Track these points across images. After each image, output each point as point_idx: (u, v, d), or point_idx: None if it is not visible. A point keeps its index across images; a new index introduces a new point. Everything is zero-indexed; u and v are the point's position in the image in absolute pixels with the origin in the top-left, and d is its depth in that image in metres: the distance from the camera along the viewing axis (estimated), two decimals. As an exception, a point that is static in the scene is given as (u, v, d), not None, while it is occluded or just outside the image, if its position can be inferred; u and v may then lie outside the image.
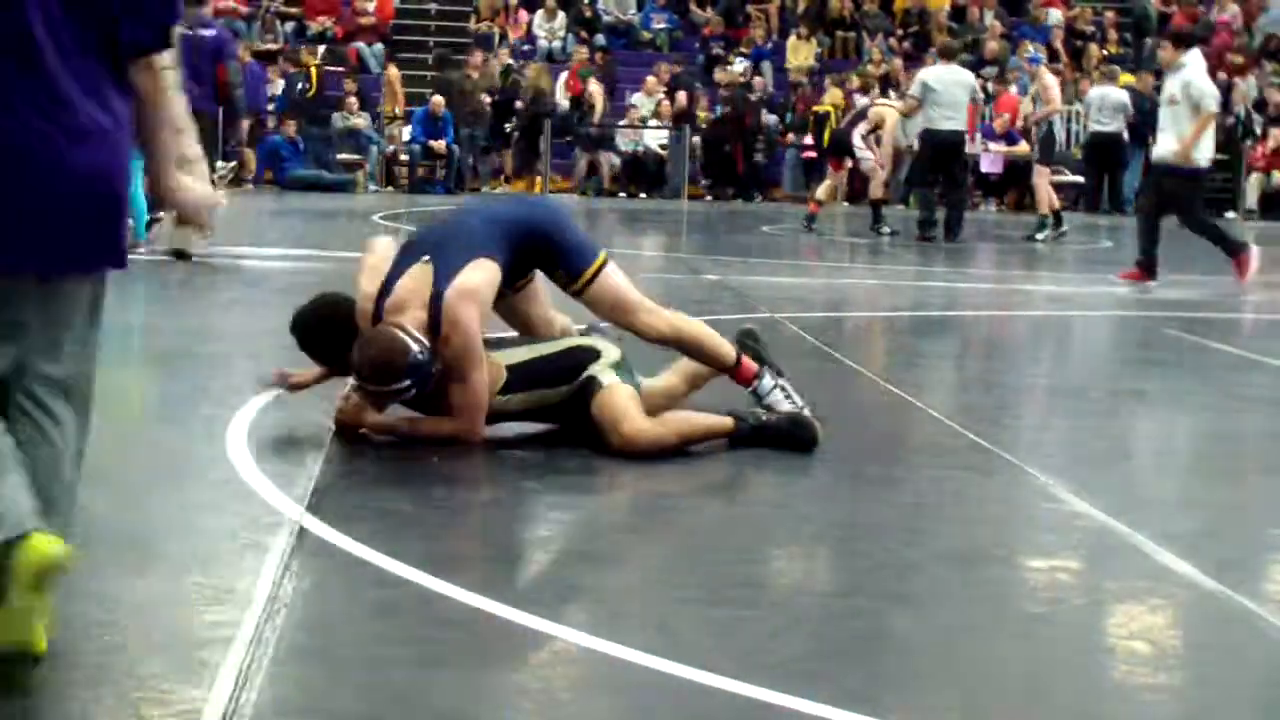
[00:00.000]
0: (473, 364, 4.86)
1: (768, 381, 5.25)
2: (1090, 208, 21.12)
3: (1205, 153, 11.31)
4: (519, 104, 21.48)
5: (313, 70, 21.20)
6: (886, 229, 15.82)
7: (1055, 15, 24.78)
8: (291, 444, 5.07)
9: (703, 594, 3.60)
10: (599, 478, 4.82)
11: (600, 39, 23.90)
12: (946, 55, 15.79)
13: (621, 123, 21.82)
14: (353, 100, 20.90)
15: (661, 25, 24.62)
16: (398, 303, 4.92)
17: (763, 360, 5.40)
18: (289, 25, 23.38)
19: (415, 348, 4.77)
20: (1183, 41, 11.51)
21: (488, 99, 21.36)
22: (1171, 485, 5.07)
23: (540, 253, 5.13)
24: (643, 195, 21.38)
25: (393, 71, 22.10)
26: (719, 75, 22.61)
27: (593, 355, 5.03)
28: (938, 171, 15.34)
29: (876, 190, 16.20)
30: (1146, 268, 11.56)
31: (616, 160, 21.70)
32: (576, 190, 21.46)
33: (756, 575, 3.92)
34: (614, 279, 5.15)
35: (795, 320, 8.63)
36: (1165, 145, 11.31)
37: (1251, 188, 21.53)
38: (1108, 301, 10.67)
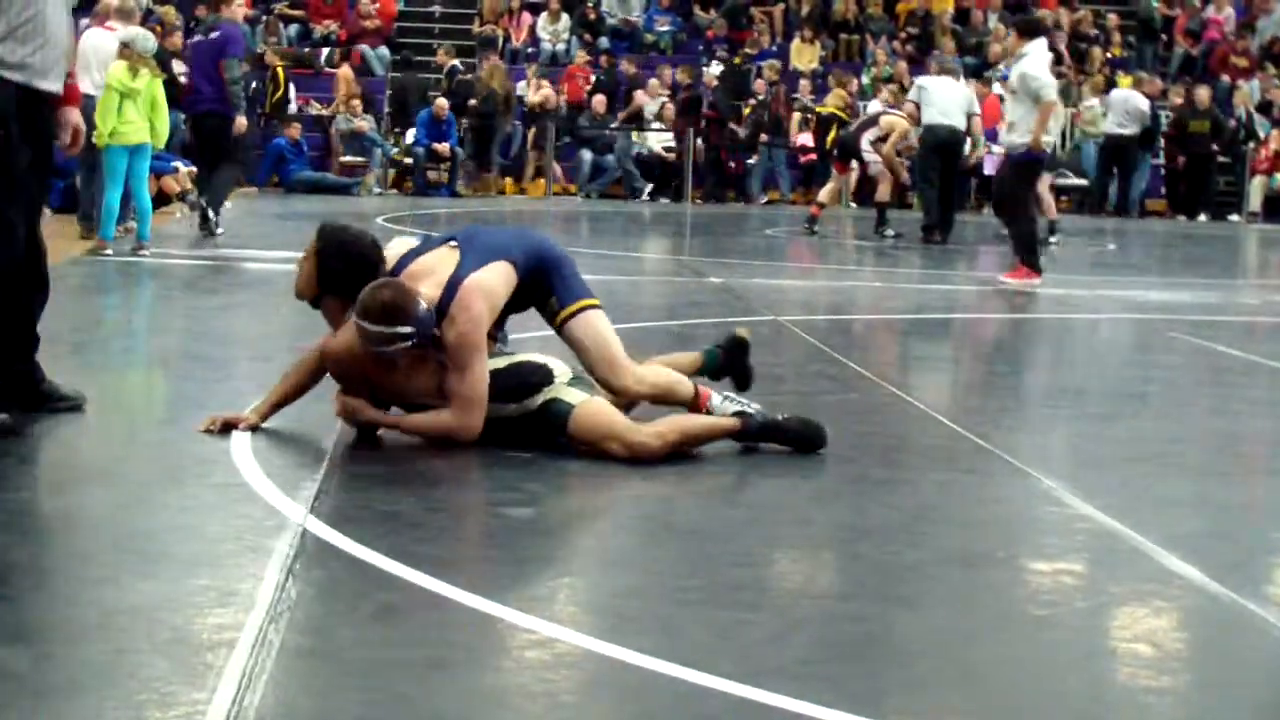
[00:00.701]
0: (475, 354, 4.90)
1: (716, 400, 5.26)
2: (1096, 210, 21.13)
3: (1050, 139, 11.92)
4: (472, 104, 21.17)
5: (279, 71, 21.08)
6: (890, 232, 15.84)
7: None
8: (295, 446, 5.08)
9: (705, 596, 3.60)
10: (601, 480, 4.82)
11: (604, 42, 23.90)
12: (947, 72, 15.90)
13: (612, 125, 21.79)
14: (356, 103, 20.90)
15: (665, 28, 24.61)
16: (416, 272, 5.03)
17: (743, 370, 5.59)
18: (293, 28, 23.38)
19: (424, 305, 4.86)
20: (1027, 32, 11.68)
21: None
22: (1175, 488, 5.06)
23: (543, 278, 5.23)
24: (646, 197, 21.37)
25: (345, 72, 21.96)
26: (705, 78, 22.53)
27: (546, 376, 5.04)
28: (937, 170, 15.34)
29: (884, 194, 16.21)
30: (1035, 264, 11.39)
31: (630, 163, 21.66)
32: (579, 193, 21.47)
33: (759, 578, 3.92)
34: (602, 322, 5.24)
35: (798, 323, 8.63)
36: (1008, 135, 11.43)
37: (1255, 190, 21.51)
38: (1111, 304, 10.66)
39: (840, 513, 4.55)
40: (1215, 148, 21.39)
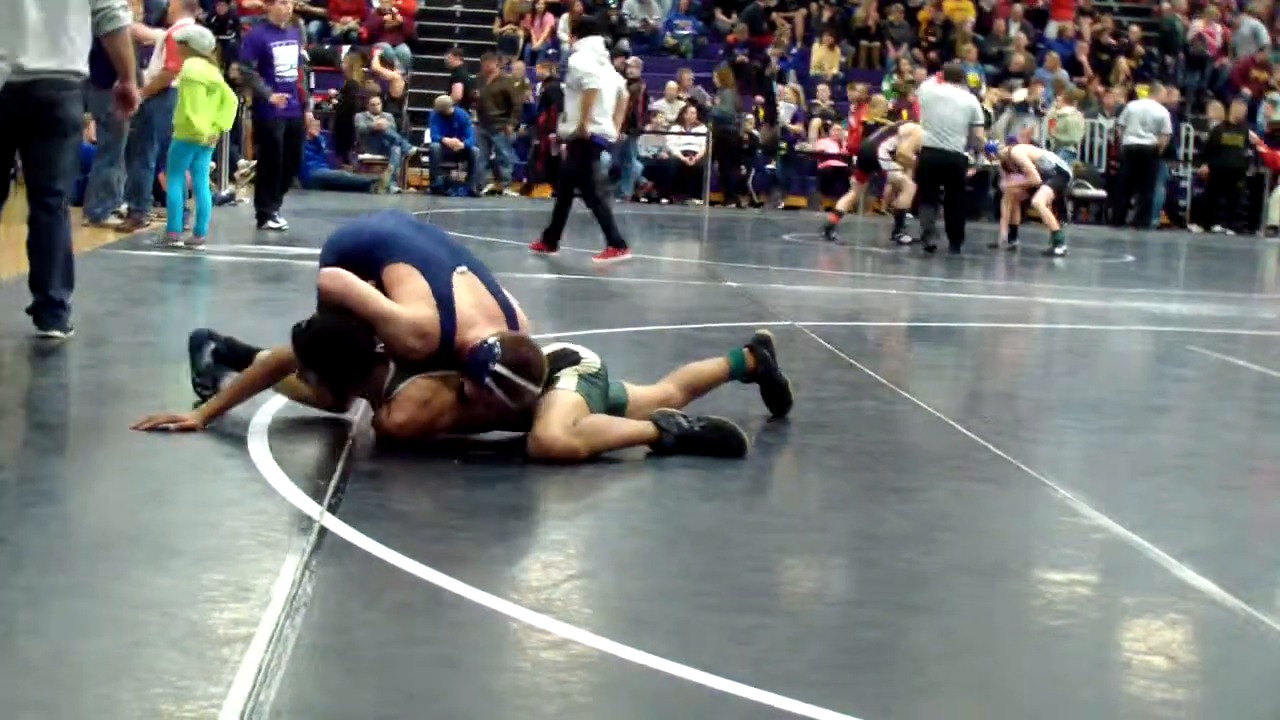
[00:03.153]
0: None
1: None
2: (1117, 221, 21.09)
3: (602, 129, 12.16)
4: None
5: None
6: (906, 238, 15.84)
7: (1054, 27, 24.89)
8: (312, 443, 5.09)
9: (721, 601, 3.61)
10: (617, 482, 4.83)
11: (624, 44, 23.90)
12: (951, 78, 15.79)
13: (646, 128, 21.82)
14: (376, 101, 20.92)
15: (686, 31, 24.62)
16: (469, 319, 5.00)
17: (770, 367, 5.76)
18: (313, 25, 23.42)
19: None
20: (579, 30, 13.16)
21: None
22: (1191, 500, 5.05)
23: None
24: (664, 201, 21.37)
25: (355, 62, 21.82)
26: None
27: (573, 359, 5.11)
28: (936, 187, 15.31)
29: (904, 201, 16.18)
30: (549, 239, 12.50)
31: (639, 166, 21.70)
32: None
33: (774, 583, 3.92)
34: None
35: (815, 329, 8.63)
36: (563, 125, 12.45)
37: (1275, 203, 21.45)
38: (1130, 316, 10.65)
39: (855, 520, 4.55)
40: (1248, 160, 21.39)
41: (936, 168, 15.09)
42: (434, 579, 3.60)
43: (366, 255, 5.12)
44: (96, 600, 3.36)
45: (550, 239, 12.50)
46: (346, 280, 4.98)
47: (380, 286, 5.04)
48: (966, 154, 15.43)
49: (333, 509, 4.16)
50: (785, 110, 22.38)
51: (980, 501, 4.85)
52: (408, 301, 4.98)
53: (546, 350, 5.10)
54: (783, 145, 21.97)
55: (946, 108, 14.97)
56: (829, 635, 3.46)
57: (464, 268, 5.13)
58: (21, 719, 2.69)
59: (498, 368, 4.82)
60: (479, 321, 4.99)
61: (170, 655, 3.03)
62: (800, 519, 4.60)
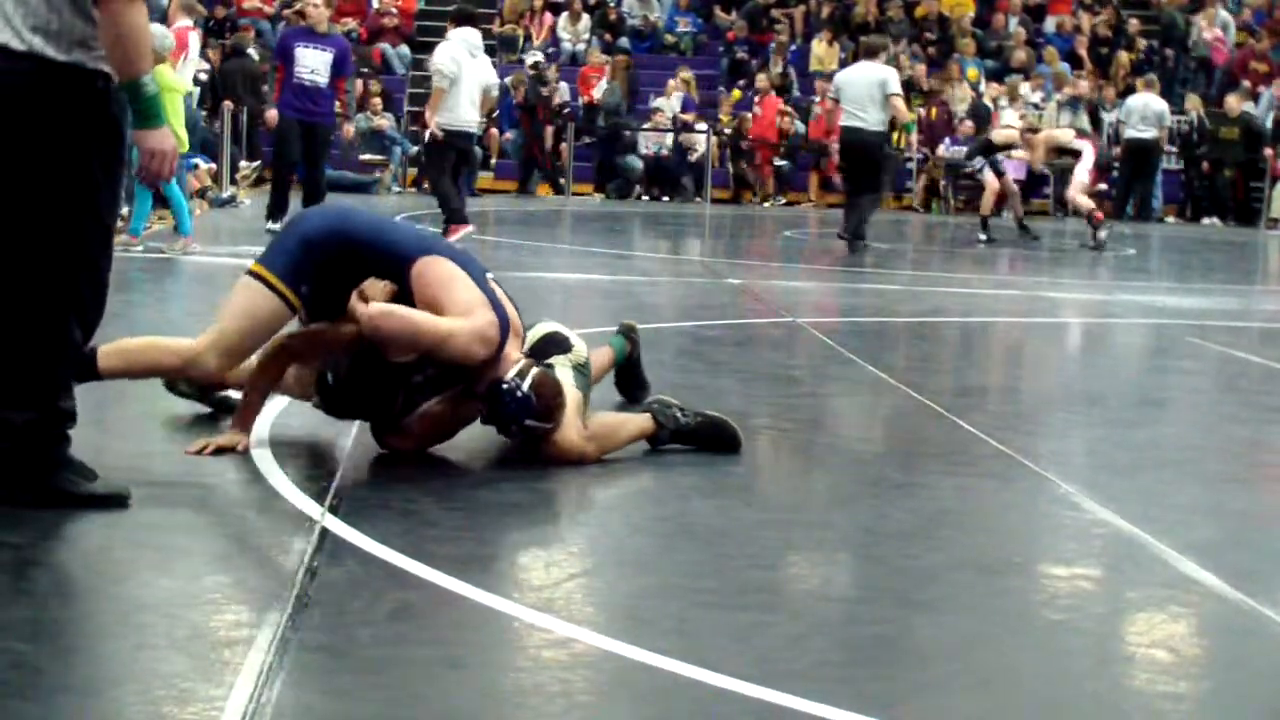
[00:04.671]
0: None
1: None
2: (1117, 214, 21.09)
3: (447, 120, 12.48)
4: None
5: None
6: (982, 237, 15.93)
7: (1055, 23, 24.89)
8: (314, 444, 5.09)
9: (723, 598, 3.61)
10: (619, 480, 4.83)
11: (624, 42, 23.89)
12: (867, 53, 14.83)
13: (645, 126, 21.81)
14: (377, 101, 20.92)
15: (686, 29, 24.61)
16: (515, 328, 4.85)
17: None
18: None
19: None
20: (455, 20, 13.20)
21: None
22: (1193, 494, 5.05)
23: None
24: (665, 198, 21.37)
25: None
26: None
27: (564, 346, 5.09)
28: (856, 171, 14.45)
29: (986, 206, 16.24)
30: (454, 219, 12.68)
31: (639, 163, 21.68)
32: (599, 193, 21.48)
33: (776, 580, 3.92)
34: None
35: (817, 325, 8.63)
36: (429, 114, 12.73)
37: (1277, 196, 21.44)
38: (1131, 310, 10.64)
39: (858, 516, 4.54)
40: (1248, 153, 21.41)
41: (850, 146, 14.28)
42: (435, 579, 3.60)
43: (377, 246, 4.73)
44: (99, 603, 3.36)
45: (456, 219, 12.73)
46: (402, 317, 4.56)
47: (404, 283, 4.68)
48: (883, 130, 14.32)
49: (334, 509, 4.16)
50: (676, 100, 22.22)
51: (983, 497, 4.84)
52: (461, 305, 4.62)
53: (534, 334, 5.08)
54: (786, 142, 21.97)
55: (858, 82, 14.14)
56: (831, 632, 3.46)
57: (490, 273, 4.88)
58: (23, 722, 2.69)
59: (530, 422, 4.73)
60: (517, 335, 4.85)
61: (173, 657, 3.02)
62: (802, 515, 4.60)
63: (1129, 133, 20.63)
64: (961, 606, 3.68)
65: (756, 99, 22.20)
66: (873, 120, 13.99)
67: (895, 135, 16.34)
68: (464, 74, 12.45)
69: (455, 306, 4.63)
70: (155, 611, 3.29)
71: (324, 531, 3.95)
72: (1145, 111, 20.42)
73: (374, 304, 4.58)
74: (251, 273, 4.77)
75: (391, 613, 3.39)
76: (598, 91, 21.79)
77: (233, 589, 3.48)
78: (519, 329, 4.92)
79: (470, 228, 12.72)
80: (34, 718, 2.71)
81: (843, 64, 23.67)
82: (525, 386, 4.67)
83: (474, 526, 4.27)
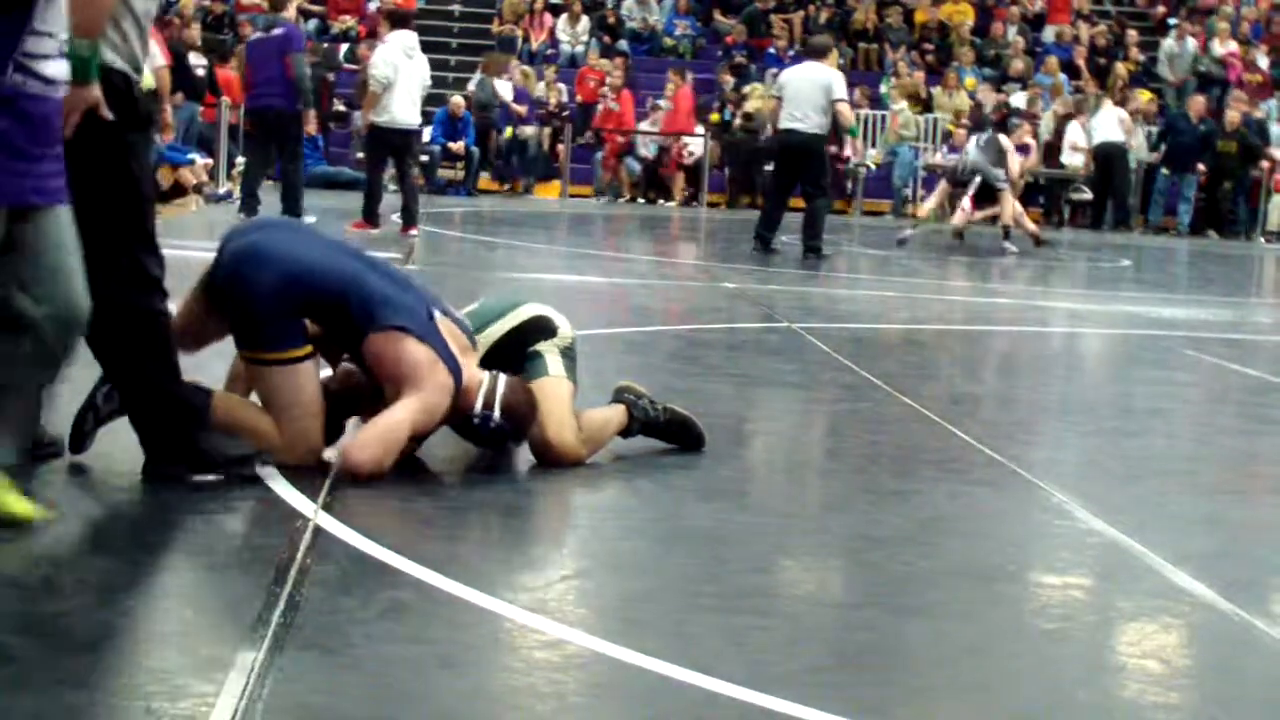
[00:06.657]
0: None
1: None
2: (1095, 224, 21.15)
3: (386, 119, 13.30)
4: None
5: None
6: (1011, 247, 15.83)
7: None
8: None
9: (717, 602, 3.60)
10: (613, 482, 4.82)
11: (623, 44, 23.91)
12: (812, 54, 14.41)
13: (643, 126, 21.82)
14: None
15: (685, 32, 24.63)
16: (464, 344, 4.75)
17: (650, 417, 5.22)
18: (311, 23, 23.41)
19: None
20: (390, 21, 14.01)
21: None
22: (1186, 505, 5.05)
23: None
24: (662, 201, 21.37)
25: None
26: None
27: (549, 330, 5.01)
28: (790, 175, 14.08)
29: (1006, 216, 16.18)
30: (367, 216, 13.69)
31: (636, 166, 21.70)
32: (595, 195, 21.49)
33: (770, 584, 3.92)
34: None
35: (813, 331, 8.63)
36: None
37: (1274, 209, 21.48)
38: (1125, 320, 10.65)
39: (852, 522, 4.54)
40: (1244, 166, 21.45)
41: (786, 149, 13.92)
42: (428, 578, 3.59)
43: (341, 307, 4.61)
44: (89, 597, 3.35)
45: (369, 216, 13.66)
46: (383, 448, 4.51)
47: (356, 346, 4.66)
48: (822, 133, 13.80)
49: (327, 508, 4.15)
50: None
51: (976, 505, 4.84)
52: (415, 376, 4.56)
53: (519, 316, 5.04)
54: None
55: (802, 84, 13.70)
56: (825, 637, 3.46)
57: (437, 311, 4.71)
58: (13, 716, 2.68)
59: (510, 444, 4.87)
60: (469, 361, 4.74)
61: (164, 653, 3.02)
62: (796, 521, 4.59)
63: (1096, 139, 20.75)
64: (954, 613, 3.68)
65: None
66: (812, 124, 13.62)
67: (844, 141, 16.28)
68: (400, 75, 13.26)
69: (410, 380, 4.56)
70: (146, 607, 3.28)
71: (317, 529, 3.94)
72: (1109, 118, 20.68)
73: (347, 452, 4.54)
74: (259, 362, 4.62)
75: (383, 611, 3.39)
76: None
77: (225, 585, 3.47)
78: (467, 346, 4.76)
79: (375, 231, 13.33)
80: (25, 713, 2.70)
81: (841, 70, 23.77)
82: (496, 416, 4.65)
83: (467, 526, 4.26)
